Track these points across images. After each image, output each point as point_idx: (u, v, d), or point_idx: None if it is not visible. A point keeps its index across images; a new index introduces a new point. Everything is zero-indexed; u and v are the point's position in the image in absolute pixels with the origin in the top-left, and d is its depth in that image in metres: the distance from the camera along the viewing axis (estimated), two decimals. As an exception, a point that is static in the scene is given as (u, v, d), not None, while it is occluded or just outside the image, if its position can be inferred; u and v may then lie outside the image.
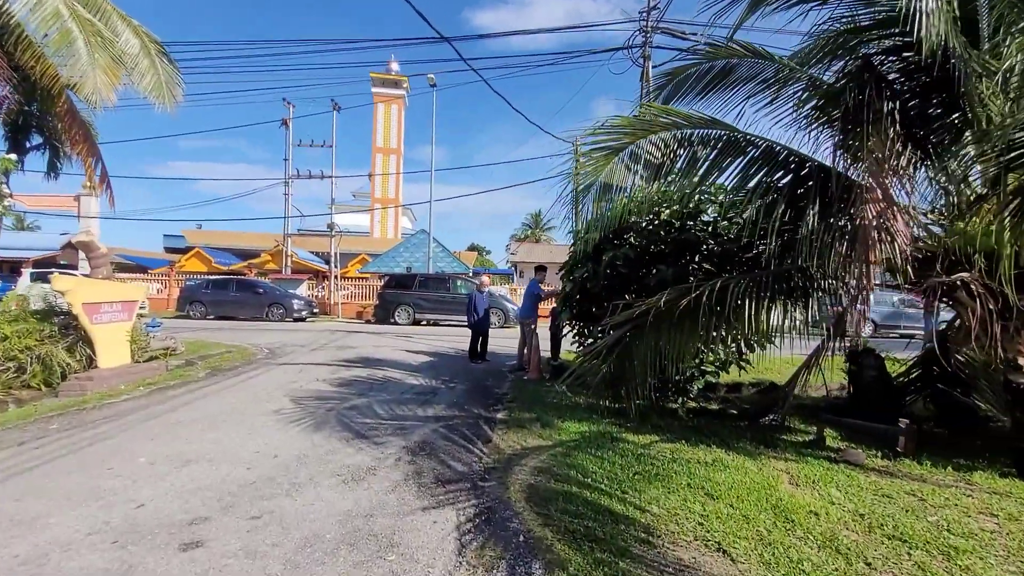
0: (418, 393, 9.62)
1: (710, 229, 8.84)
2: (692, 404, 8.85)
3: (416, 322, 24.70)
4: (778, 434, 7.57)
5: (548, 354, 12.36)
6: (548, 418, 8.11)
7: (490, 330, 17.04)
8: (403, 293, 24.88)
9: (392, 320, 24.78)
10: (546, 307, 20.52)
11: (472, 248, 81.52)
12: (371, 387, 9.97)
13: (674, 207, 8.98)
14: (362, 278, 32.96)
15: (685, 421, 8.14)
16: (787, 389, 7.90)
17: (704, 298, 6.98)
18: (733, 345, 8.48)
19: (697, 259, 8.74)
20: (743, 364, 8.82)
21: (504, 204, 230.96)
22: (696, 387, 8.96)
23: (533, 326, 11.72)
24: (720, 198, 8.92)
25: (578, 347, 10.23)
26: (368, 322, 26.19)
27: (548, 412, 8.43)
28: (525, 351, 11.84)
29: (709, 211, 8.99)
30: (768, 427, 7.89)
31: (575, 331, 10.18)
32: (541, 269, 12.64)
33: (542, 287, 12.21)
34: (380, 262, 37.38)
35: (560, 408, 8.71)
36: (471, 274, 32.76)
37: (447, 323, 24.54)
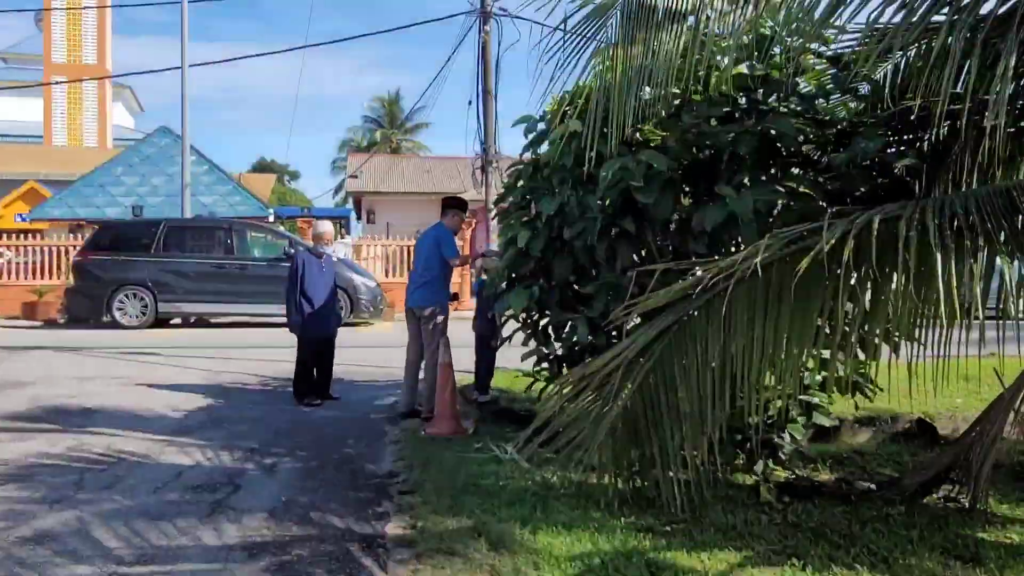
0: (196, 487, 4.55)
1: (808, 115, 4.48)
2: (781, 474, 4.50)
3: (162, 320, 14.73)
4: (973, 528, 3.83)
5: (469, 376, 7.31)
6: (501, 529, 3.71)
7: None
8: (130, 261, 14.40)
9: (108, 317, 14.30)
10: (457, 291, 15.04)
11: (264, 168, 54.24)
12: (82, 479, 4.69)
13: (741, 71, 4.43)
14: (29, 232, 20.11)
15: (777, 509, 4.06)
16: (976, 437, 3.91)
17: (846, 249, 3.12)
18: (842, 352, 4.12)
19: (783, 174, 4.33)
20: (867, 388, 4.58)
21: (328, 83, 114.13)
22: (794, 437, 4.52)
23: (439, 321, 6.50)
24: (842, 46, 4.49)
25: (537, 364, 5.51)
26: (52, 324, 15.93)
27: (496, 513, 3.91)
28: (422, 375, 6.66)
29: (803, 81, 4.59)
30: (944, 511, 4.08)
31: (529, 331, 5.42)
32: (454, 206, 6.85)
33: (458, 243, 7.25)
34: (71, 198, 21.72)
35: (519, 501, 4.06)
36: (271, 220, 20.55)
37: (233, 320, 14.82)
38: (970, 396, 6.38)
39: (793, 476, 4.56)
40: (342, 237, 22.50)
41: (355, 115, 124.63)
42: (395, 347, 7.47)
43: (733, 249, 4.17)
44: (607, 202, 4.64)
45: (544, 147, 5.28)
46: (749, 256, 3.32)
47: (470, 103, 18.11)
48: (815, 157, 4.48)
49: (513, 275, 5.37)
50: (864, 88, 4.54)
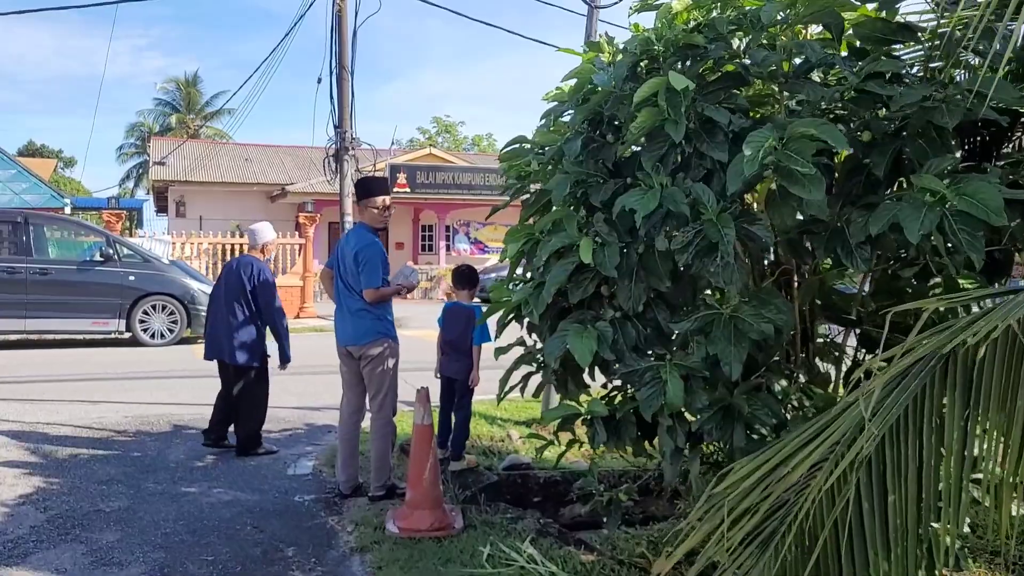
0: None
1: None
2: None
3: None
4: None
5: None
6: None
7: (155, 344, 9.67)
8: None
9: None
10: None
11: (34, 152, 48.60)
12: None
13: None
14: None
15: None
16: None
17: None
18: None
19: None
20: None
21: (101, 62, 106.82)
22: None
23: (389, 365, 4.63)
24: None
25: (564, 424, 3.87)
26: None
27: None
28: (373, 440, 4.63)
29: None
30: None
31: (557, 379, 3.84)
32: (367, 191, 4.68)
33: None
34: None
35: None
36: (68, 212, 16.58)
37: (25, 338, 11.65)
38: None
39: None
40: (148, 235, 19.11)
41: (139, 99, 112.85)
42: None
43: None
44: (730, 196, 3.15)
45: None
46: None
47: (319, 81, 15.89)
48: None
49: (552, 305, 3.70)
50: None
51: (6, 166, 17.35)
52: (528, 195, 4.29)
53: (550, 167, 3.92)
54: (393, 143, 26.23)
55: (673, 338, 3.53)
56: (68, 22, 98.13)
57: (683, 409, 3.26)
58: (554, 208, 3.74)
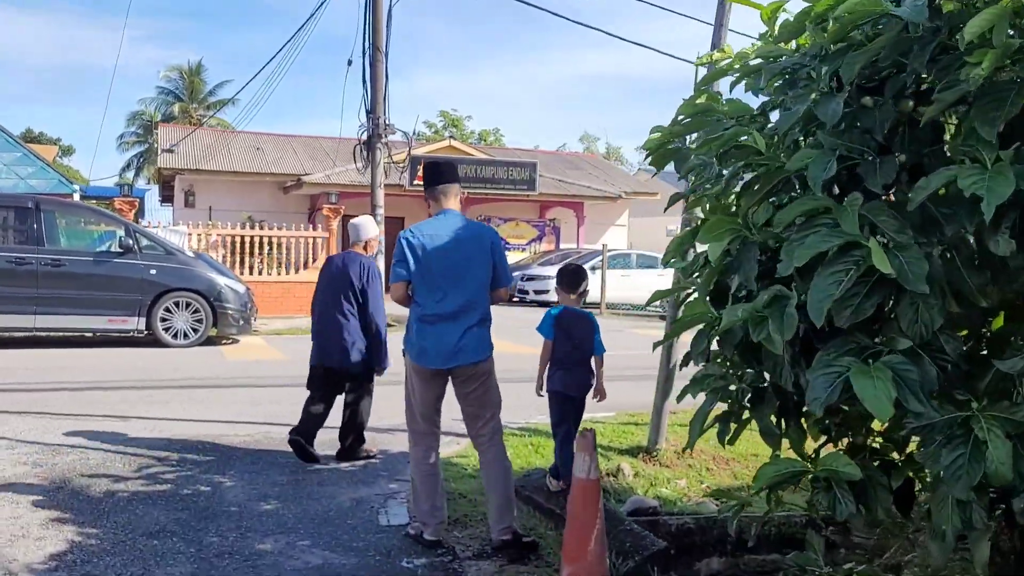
0: None
1: None
2: None
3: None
4: None
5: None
6: None
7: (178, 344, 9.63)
8: None
9: None
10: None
11: (31, 140, 44.79)
12: None
13: None
14: None
15: None
16: None
17: None
18: None
19: None
20: None
21: (101, 53, 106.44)
22: None
23: (493, 383, 3.87)
24: None
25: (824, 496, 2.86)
26: None
27: None
28: (501, 476, 3.78)
29: None
30: None
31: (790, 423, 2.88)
32: (443, 177, 3.93)
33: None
34: None
35: None
36: (77, 199, 15.12)
37: (38, 336, 10.50)
38: None
39: None
40: (164, 225, 18.04)
41: (137, 90, 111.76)
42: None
43: None
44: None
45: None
46: None
47: (350, 63, 14.80)
48: None
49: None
50: None
51: (10, 148, 16.19)
52: (701, 182, 3.35)
53: (781, 140, 2.94)
54: (415, 133, 25.15)
55: (985, 381, 2.57)
56: (64, 11, 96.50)
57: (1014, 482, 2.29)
58: (804, 196, 2.74)
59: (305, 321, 15.84)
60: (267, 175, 25.40)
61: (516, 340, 9.45)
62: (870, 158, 2.63)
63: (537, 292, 19.61)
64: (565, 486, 4.22)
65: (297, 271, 16.35)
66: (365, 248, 5.23)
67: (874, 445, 3.01)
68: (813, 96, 2.78)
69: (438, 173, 3.96)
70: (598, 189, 27.15)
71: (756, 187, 2.96)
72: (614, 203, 27.71)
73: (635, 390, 6.75)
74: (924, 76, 2.55)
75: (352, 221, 5.35)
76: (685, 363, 3.22)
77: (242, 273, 15.19)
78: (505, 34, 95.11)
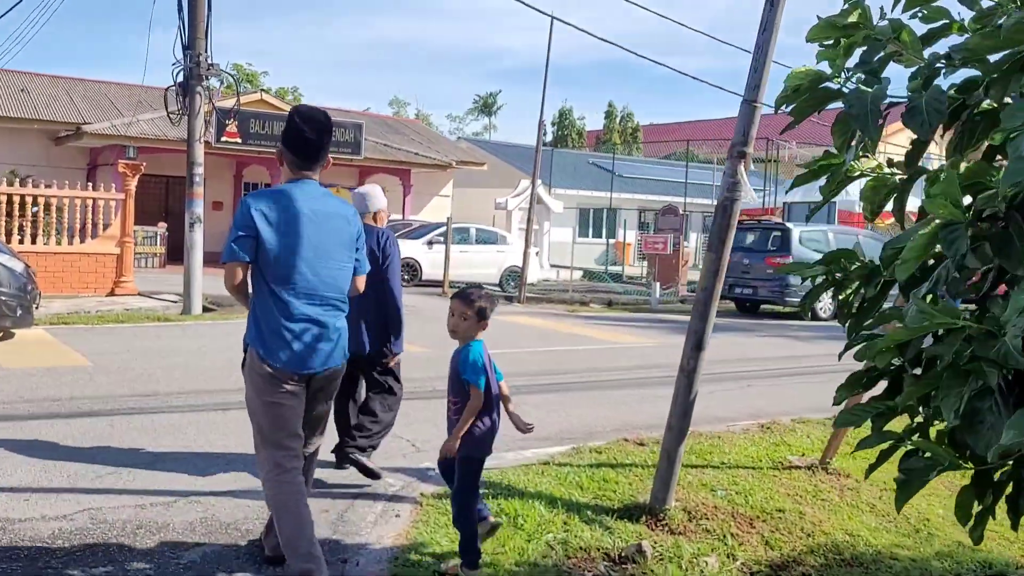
0: None
1: None
2: None
3: None
4: None
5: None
6: None
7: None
8: None
9: None
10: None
11: None
12: None
13: None
14: None
15: None
16: None
17: None
18: None
19: None
20: None
21: None
22: None
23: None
24: None
25: None
26: None
27: None
28: None
29: None
30: None
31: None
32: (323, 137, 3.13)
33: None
34: None
35: None
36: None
37: None
38: None
39: None
40: None
41: None
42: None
43: None
44: None
45: None
46: None
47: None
48: None
49: None
50: None
51: None
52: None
53: None
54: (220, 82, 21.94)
55: None
56: None
57: None
58: None
59: (94, 303, 12.74)
60: (34, 122, 21.05)
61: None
62: None
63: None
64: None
65: (83, 240, 13.26)
66: (375, 220, 4.58)
67: None
68: None
69: (320, 130, 3.07)
70: (427, 156, 25.42)
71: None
72: (443, 172, 26.21)
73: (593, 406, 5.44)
74: None
75: (358, 190, 4.77)
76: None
77: (9, 243, 11.89)
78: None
